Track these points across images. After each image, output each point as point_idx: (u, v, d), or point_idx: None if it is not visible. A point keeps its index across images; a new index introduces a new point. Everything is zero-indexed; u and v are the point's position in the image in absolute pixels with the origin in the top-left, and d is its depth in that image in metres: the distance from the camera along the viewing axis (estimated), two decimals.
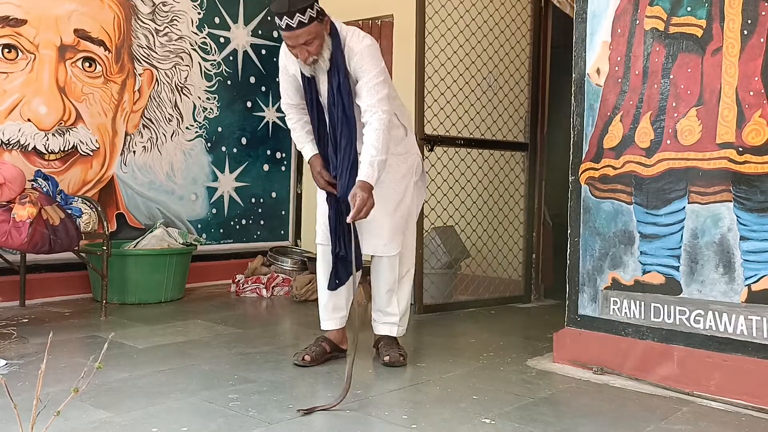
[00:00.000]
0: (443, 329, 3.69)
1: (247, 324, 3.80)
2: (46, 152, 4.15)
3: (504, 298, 4.36)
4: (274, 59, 5.44)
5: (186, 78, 4.89)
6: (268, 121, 5.43)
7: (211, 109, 5.05)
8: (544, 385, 2.67)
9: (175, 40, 4.81)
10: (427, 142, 4.01)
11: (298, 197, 5.66)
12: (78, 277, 4.25)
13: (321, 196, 2.94)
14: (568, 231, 2.96)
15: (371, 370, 2.85)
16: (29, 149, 4.08)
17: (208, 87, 5.02)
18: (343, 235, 2.82)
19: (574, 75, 2.95)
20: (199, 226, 5.02)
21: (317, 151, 2.90)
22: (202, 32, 4.97)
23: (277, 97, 5.46)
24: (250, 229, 5.36)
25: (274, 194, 5.51)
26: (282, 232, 5.58)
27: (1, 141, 3.97)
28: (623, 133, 2.79)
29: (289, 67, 2.84)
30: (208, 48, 5.02)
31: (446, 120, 4.24)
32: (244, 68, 5.25)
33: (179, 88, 4.86)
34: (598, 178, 2.86)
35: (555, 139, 4.69)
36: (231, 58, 5.17)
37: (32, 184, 3.64)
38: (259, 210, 5.41)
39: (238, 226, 5.27)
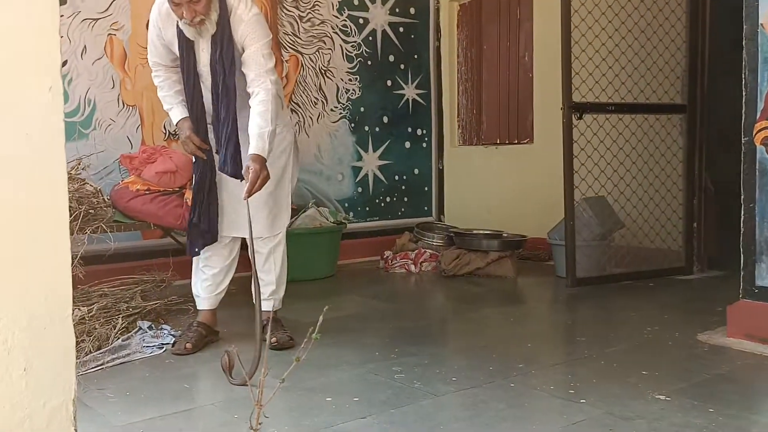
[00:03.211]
0: (599, 302, 3.57)
1: (400, 299, 3.89)
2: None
3: (663, 270, 4.13)
4: (412, 36, 5.46)
5: (329, 61, 5.02)
6: (408, 99, 5.47)
7: (353, 90, 5.16)
8: (720, 361, 2.52)
9: (318, 25, 4.95)
10: (576, 110, 3.87)
11: (440, 173, 5.67)
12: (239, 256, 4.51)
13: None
14: (742, 196, 2.75)
15: (529, 344, 2.82)
16: None
17: (349, 68, 5.13)
18: (202, 203, 2.76)
19: (744, 27, 2.71)
20: (346, 204, 5.17)
21: (186, 114, 2.76)
22: (342, 15, 5.07)
23: (417, 74, 5.51)
24: (395, 206, 5.45)
25: (416, 171, 5.55)
26: (425, 208, 5.62)
27: (169, 132, 4.29)
28: None
29: (165, 31, 2.69)
30: (349, 30, 5.12)
31: (595, 86, 4.06)
32: (383, 47, 5.31)
33: (323, 72, 5.00)
34: None
35: (715, 99, 4.36)
36: (370, 38, 5.24)
37: None
38: (403, 187, 5.48)
39: (383, 204, 5.38)
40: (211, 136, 2.80)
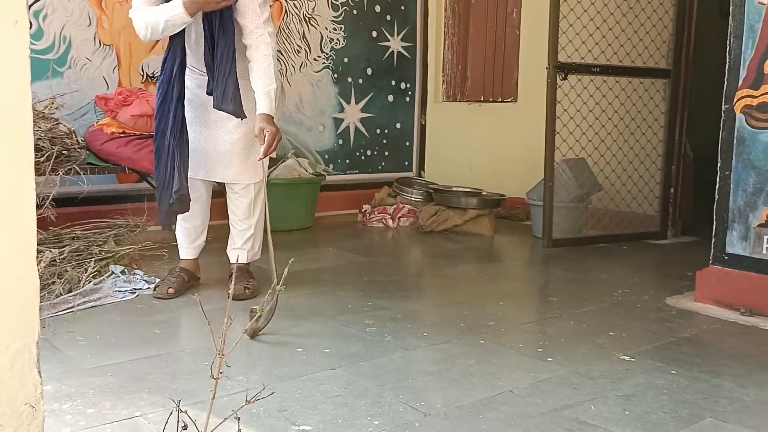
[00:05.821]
0: (573, 264, 3.61)
1: (376, 253, 3.89)
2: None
3: (637, 234, 4.18)
4: None
5: (313, 8, 4.90)
6: (393, 51, 5.38)
7: (337, 39, 5.06)
8: (686, 325, 2.57)
9: None
10: (561, 70, 3.84)
11: (423, 128, 5.63)
12: (216, 204, 4.47)
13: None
14: (719, 164, 2.76)
15: (502, 302, 2.85)
16: None
17: (334, 17, 5.02)
18: (171, 157, 2.58)
19: None
20: (326, 156, 5.12)
21: None
22: None
23: (403, 27, 5.42)
24: (375, 159, 5.41)
25: (398, 125, 5.51)
26: (406, 163, 5.60)
27: (147, 74, 4.18)
28: None
29: None
30: None
31: (581, 46, 4.02)
32: None
33: (307, 19, 4.89)
34: (756, 106, 2.63)
35: (701, 66, 4.34)
36: None
37: None
38: (384, 141, 5.44)
39: (363, 157, 5.34)
40: (195, 78, 2.70)
